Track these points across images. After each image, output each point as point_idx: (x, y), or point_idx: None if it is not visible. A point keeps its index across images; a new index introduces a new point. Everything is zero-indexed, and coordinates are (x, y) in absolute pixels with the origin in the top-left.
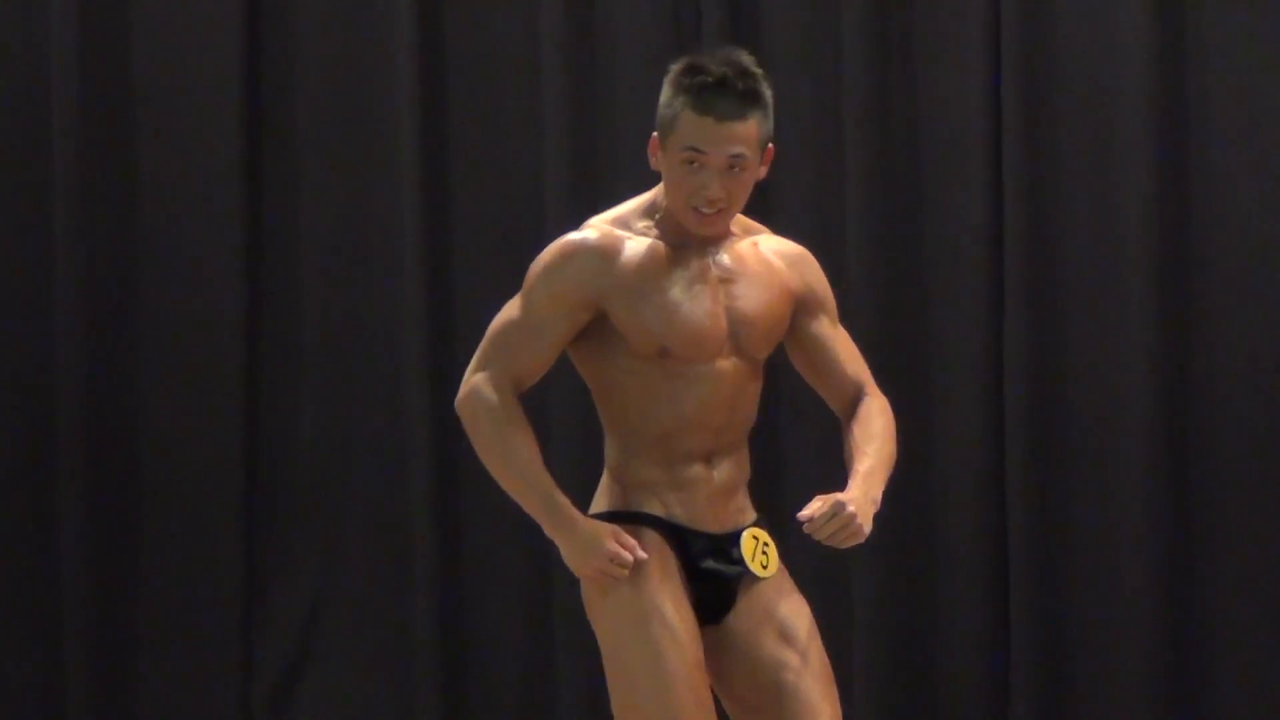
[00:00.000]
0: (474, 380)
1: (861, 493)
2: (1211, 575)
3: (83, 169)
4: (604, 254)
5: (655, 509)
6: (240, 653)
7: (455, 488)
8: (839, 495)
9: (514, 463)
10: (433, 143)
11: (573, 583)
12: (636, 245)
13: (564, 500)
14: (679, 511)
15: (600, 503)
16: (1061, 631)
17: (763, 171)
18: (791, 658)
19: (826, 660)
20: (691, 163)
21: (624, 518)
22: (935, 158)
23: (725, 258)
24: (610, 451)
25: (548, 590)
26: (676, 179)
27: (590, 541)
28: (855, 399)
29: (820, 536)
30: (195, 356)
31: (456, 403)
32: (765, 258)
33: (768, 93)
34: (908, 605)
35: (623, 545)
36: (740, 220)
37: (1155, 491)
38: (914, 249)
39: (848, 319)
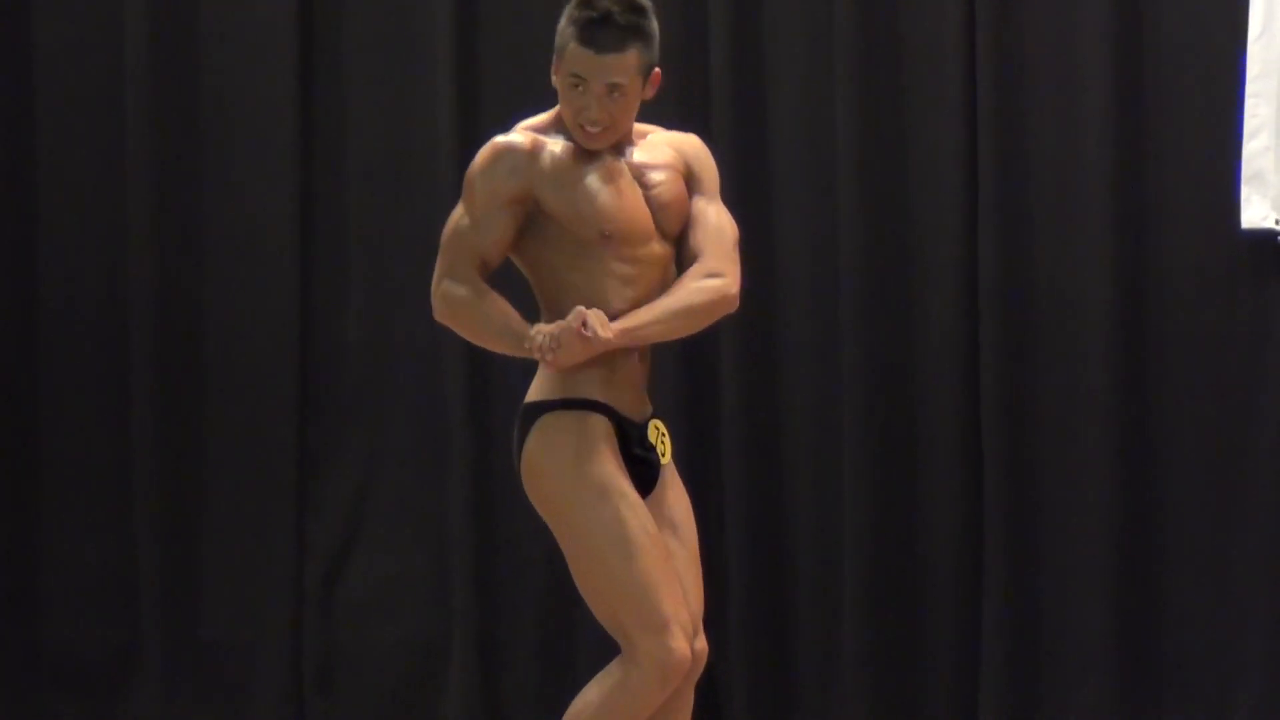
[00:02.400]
0: (440, 288)
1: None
2: (1165, 448)
3: (153, 93)
4: (530, 151)
5: (597, 395)
6: (295, 535)
7: (487, 387)
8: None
9: (494, 325)
10: (466, 59)
11: None
12: (555, 145)
13: (522, 323)
14: (615, 397)
15: (539, 390)
16: (1030, 514)
17: (649, 93)
18: (677, 547)
19: (698, 548)
20: (576, 87)
21: (570, 404)
22: (917, 89)
23: (635, 152)
24: None
25: None
26: (565, 99)
27: (563, 331)
28: (697, 265)
29: (541, 351)
30: (254, 265)
31: (435, 316)
32: (664, 147)
33: (650, 26)
34: (892, 485)
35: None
36: (637, 127)
37: (1114, 382)
38: (899, 172)
39: (839, 240)
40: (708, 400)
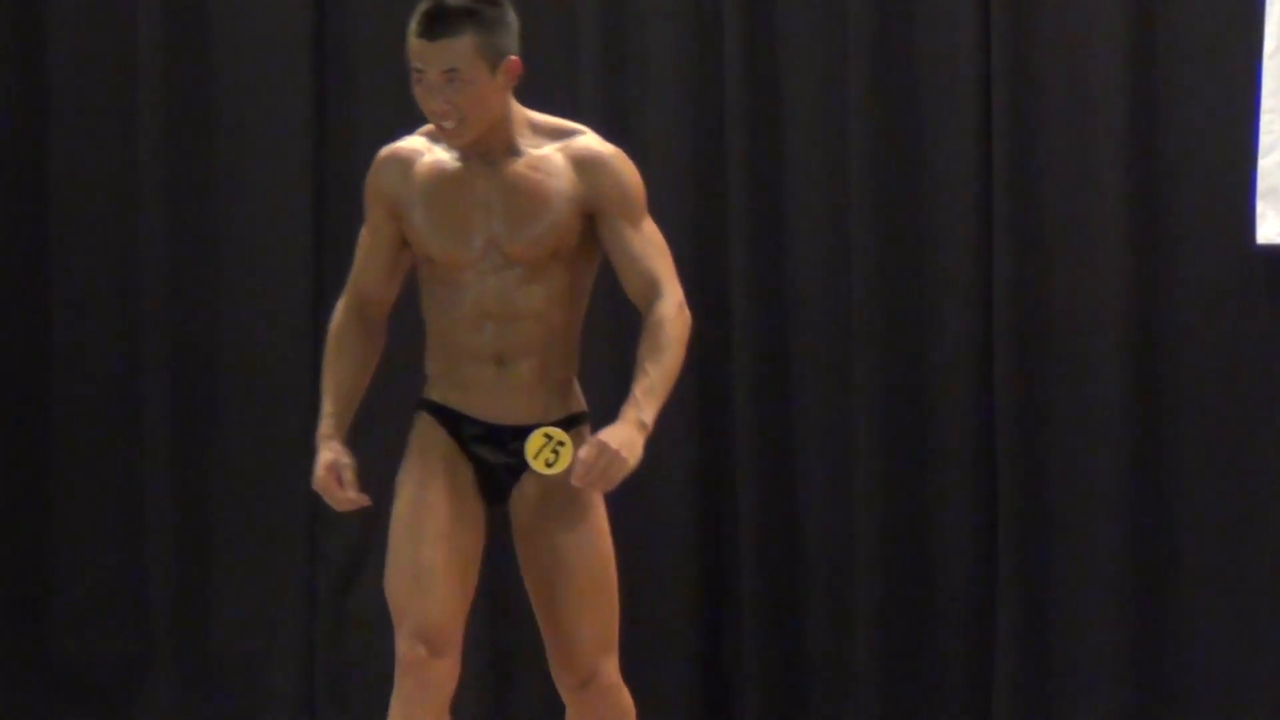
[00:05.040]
0: (337, 305)
1: (631, 422)
2: (1178, 462)
3: (167, 103)
4: (402, 163)
5: (435, 396)
6: (307, 545)
7: None
8: (602, 437)
9: (326, 383)
10: None
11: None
12: (431, 157)
13: (329, 422)
14: (455, 398)
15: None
16: (1043, 514)
17: (503, 82)
18: (557, 574)
19: (596, 573)
20: (418, 81)
21: (420, 405)
22: (931, 104)
23: (503, 173)
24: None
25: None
26: (415, 96)
27: (317, 462)
28: (649, 298)
29: (589, 482)
30: (267, 276)
31: None
32: (553, 168)
33: (493, 12)
34: (905, 494)
35: (335, 482)
36: (552, 124)
37: (1128, 396)
38: (913, 187)
39: (852, 254)
40: (721, 412)
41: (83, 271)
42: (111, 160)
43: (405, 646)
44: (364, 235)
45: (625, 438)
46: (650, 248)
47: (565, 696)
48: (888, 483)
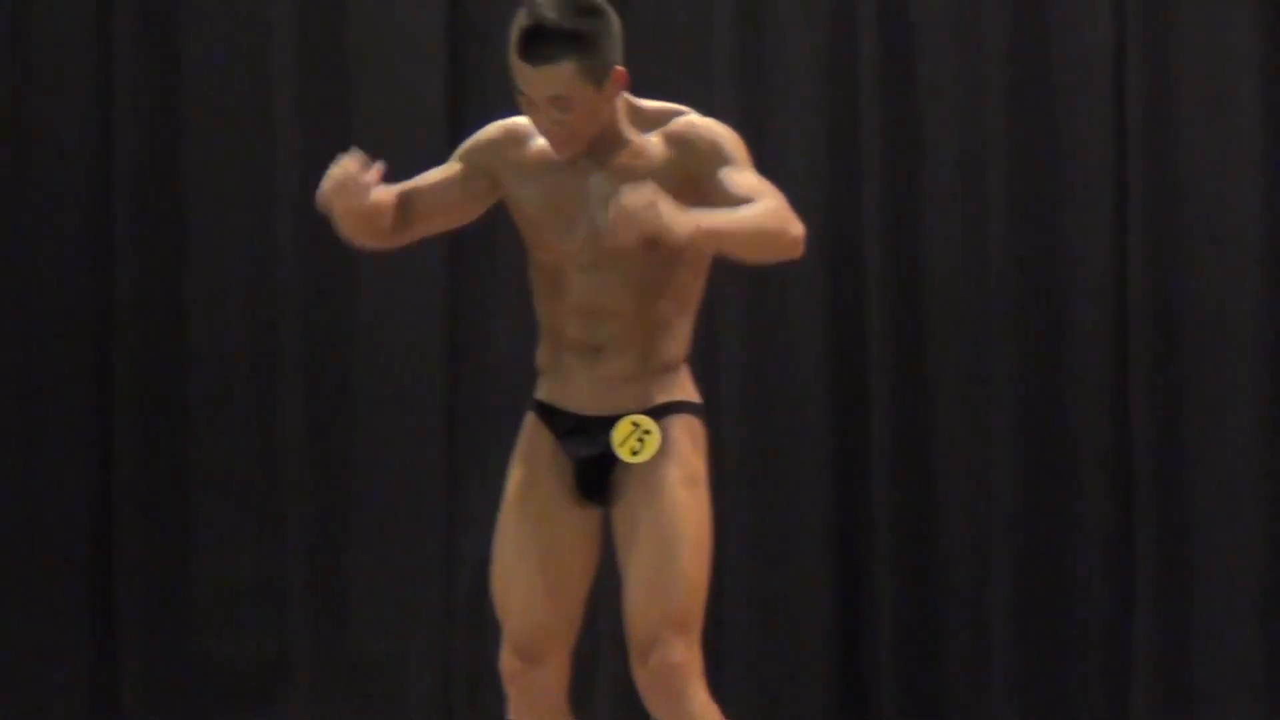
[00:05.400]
0: None
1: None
2: None
3: (301, 107)
4: (512, 137)
5: (540, 393)
6: (444, 546)
7: None
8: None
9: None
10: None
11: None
12: (540, 143)
13: None
14: (555, 391)
15: None
16: (1180, 520)
17: (610, 93)
18: (631, 560)
19: (673, 546)
20: (523, 97)
21: (530, 402)
22: (1068, 107)
23: (607, 166)
24: None
25: None
26: (521, 110)
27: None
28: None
29: (611, 222)
30: (403, 279)
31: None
32: (653, 154)
33: (595, 27)
34: (1041, 500)
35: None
36: (656, 110)
37: (1267, 399)
38: (1049, 190)
39: (989, 258)
40: (858, 415)
41: (220, 276)
42: (248, 167)
43: (503, 657)
44: (442, 170)
45: (656, 200)
46: (756, 183)
47: (634, 674)
48: (1024, 489)
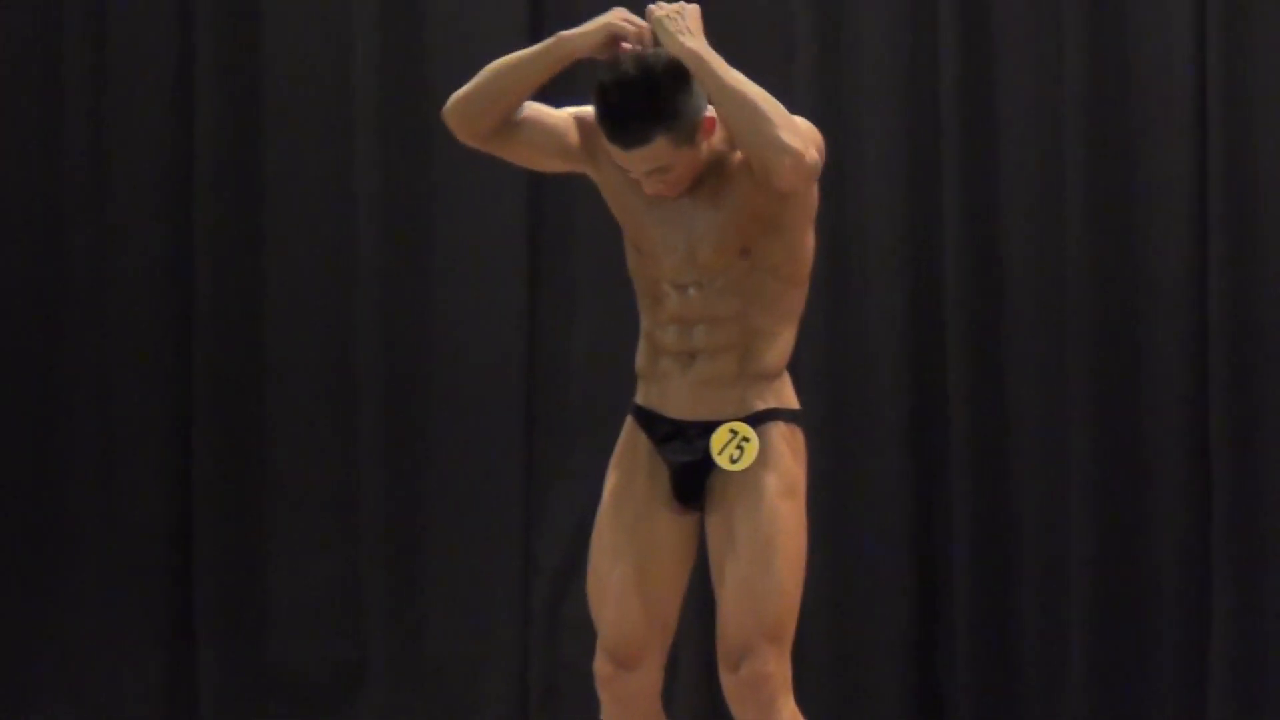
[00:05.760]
0: None
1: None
2: None
3: (380, 112)
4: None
5: (639, 398)
6: (522, 552)
7: None
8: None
9: (508, 61)
10: None
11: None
12: None
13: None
14: (653, 395)
15: None
16: (1259, 538)
17: (707, 140)
18: (726, 568)
19: (767, 554)
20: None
21: (630, 407)
22: (1146, 113)
23: (708, 184)
24: None
25: None
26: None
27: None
28: None
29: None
30: (482, 283)
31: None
32: (730, 161)
33: (672, 97)
34: (1119, 503)
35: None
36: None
37: None
38: (1127, 196)
39: (1066, 264)
40: (936, 418)
41: (299, 283)
42: (327, 172)
43: (597, 662)
44: (556, 114)
45: (682, 11)
46: (797, 119)
47: (722, 681)
48: (1101, 494)
